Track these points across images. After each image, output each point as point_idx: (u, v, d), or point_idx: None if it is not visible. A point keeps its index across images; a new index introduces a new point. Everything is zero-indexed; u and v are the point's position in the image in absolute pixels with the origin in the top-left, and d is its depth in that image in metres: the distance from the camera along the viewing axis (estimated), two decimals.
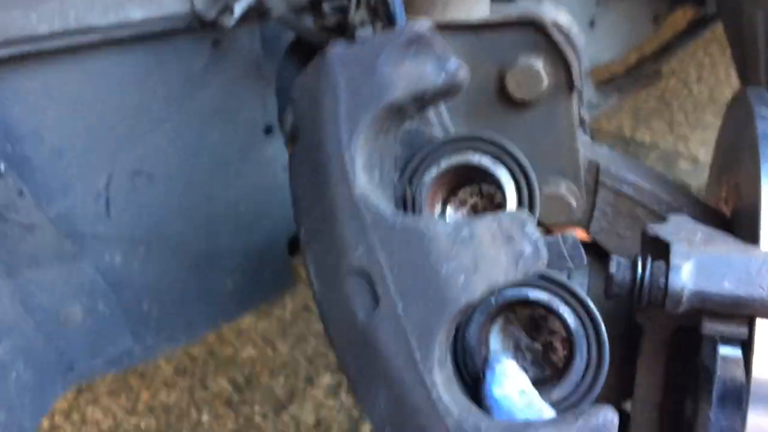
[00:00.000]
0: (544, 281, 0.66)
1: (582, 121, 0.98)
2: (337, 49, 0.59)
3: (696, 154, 3.51)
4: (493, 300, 0.64)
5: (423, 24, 0.60)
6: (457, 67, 0.57)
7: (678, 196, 0.93)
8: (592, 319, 0.65)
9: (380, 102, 0.55)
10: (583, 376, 0.64)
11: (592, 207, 0.93)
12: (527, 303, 0.65)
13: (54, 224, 1.03)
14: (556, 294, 0.65)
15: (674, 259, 0.68)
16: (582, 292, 0.65)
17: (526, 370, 0.65)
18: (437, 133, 0.71)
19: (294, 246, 1.36)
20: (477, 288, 0.51)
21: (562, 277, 0.65)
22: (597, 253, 0.96)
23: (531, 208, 0.65)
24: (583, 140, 0.93)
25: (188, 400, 2.22)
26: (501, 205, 0.70)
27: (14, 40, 0.90)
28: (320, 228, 0.56)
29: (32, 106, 0.99)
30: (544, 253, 0.53)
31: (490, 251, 0.51)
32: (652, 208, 0.91)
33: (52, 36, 0.92)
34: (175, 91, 1.11)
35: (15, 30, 0.89)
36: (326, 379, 2.23)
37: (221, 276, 1.22)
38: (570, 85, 0.88)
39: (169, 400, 2.21)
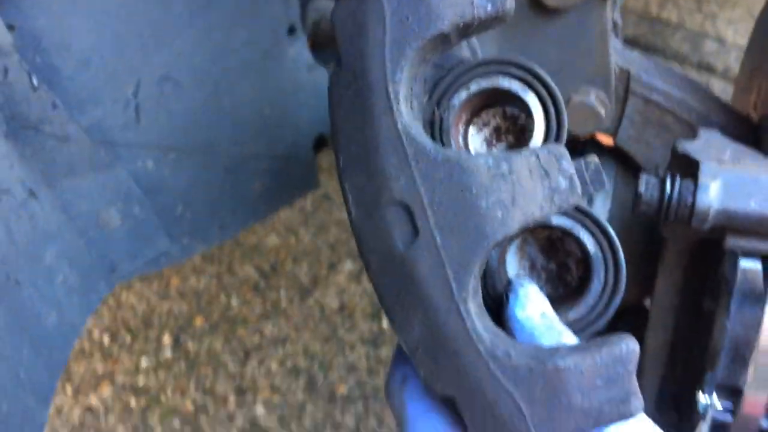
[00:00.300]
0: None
1: (615, 25, 0.97)
2: None
3: (723, 34, 3.40)
4: None
5: None
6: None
7: (708, 103, 0.92)
8: (611, 243, 0.66)
9: (427, 33, 0.54)
10: (599, 299, 0.65)
11: (621, 115, 0.93)
12: (548, 226, 0.66)
13: (87, 134, 1.05)
14: (576, 219, 0.65)
15: (702, 178, 0.69)
16: (602, 218, 0.66)
17: (540, 289, 0.67)
18: (466, 54, 0.70)
19: (319, 144, 1.37)
20: (514, 222, 0.53)
21: (582, 202, 0.66)
22: (624, 160, 0.97)
23: (558, 134, 0.66)
24: (615, 46, 0.92)
25: (217, 286, 2.32)
26: (524, 127, 0.70)
27: None
28: (361, 157, 0.56)
29: (57, 16, 0.98)
30: (578, 188, 0.54)
31: (528, 185, 0.53)
32: (682, 117, 0.91)
33: None
34: None
35: None
36: (348, 266, 2.30)
37: (250, 179, 1.25)
38: None
39: (198, 285, 2.31)
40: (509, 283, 0.64)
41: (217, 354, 2.11)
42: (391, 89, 0.54)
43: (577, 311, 0.64)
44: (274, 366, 2.05)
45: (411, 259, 0.53)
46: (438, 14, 0.54)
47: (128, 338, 2.18)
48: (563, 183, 0.54)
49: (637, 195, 0.73)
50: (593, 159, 0.62)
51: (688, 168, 0.73)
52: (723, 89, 3.08)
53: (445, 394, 0.53)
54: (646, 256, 0.95)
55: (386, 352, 2.05)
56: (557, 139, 0.64)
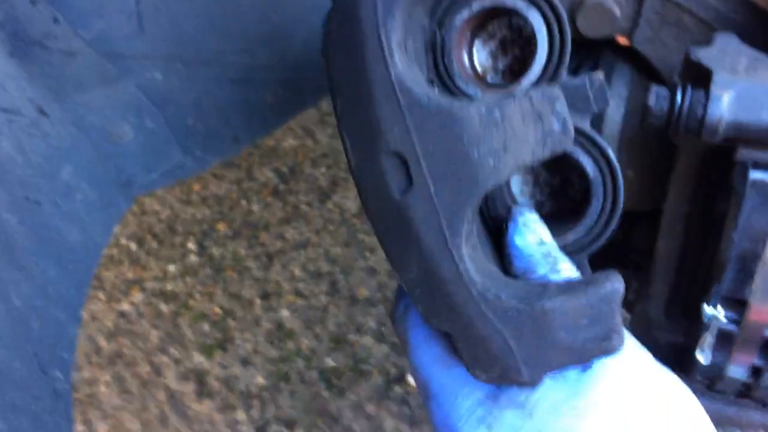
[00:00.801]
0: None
1: None
2: None
3: None
4: None
5: None
6: None
7: (729, 1, 0.88)
8: (610, 166, 0.67)
9: None
10: (597, 220, 0.67)
11: (638, 15, 0.90)
12: None
13: (93, 47, 1.04)
14: (576, 142, 0.64)
15: (715, 89, 0.67)
16: (601, 140, 0.67)
17: (543, 204, 0.69)
18: None
19: None
20: (506, 169, 0.54)
21: (582, 124, 0.65)
22: (640, 64, 0.94)
23: (562, 53, 0.65)
24: None
25: (238, 191, 2.34)
26: (530, 38, 0.67)
27: None
28: (356, 105, 0.56)
29: None
30: (571, 131, 0.54)
31: (520, 131, 0.53)
32: (700, 16, 0.87)
33: None
34: None
35: None
36: None
37: (261, 89, 1.23)
38: None
39: (219, 191, 2.35)
40: (509, 211, 0.64)
41: (241, 259, 2.16)
42: (383, 36, 0.54)
43: (576, 232, 0.65)
44: (296, 270, 2.10)
45: (406, 206, 0.54)
46: None
47: (154, 244, 2.23)
48: (556, 126, 0.54)
49: (646, 107, 0.71)
50: (598, 76, 0.64)
51: (700, 77, 0.70)
52: None
53: (441, 329, 0.56)
54: (662, 161, 0.94)
55: None
56: (561, 53, 0.63)
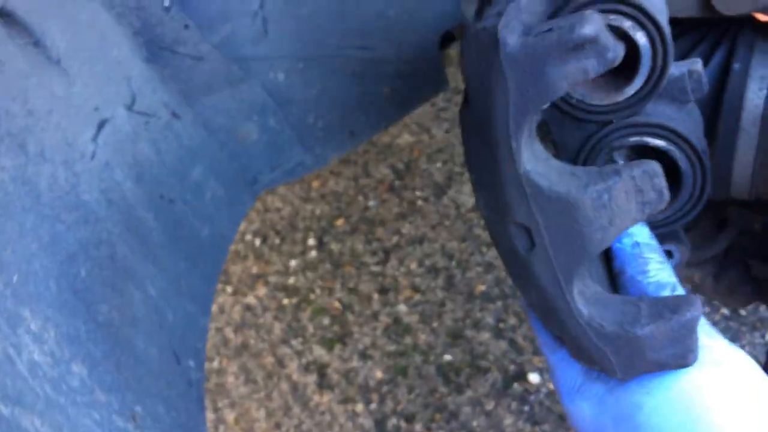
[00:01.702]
0: (662, 130, 0.75)
1: None
2: (506, 44, 0.60)
3: None
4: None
5: (592, 20, 0.58)
6: (615, 56, 0.58)
7: None
8: (699, 157, 0.75)
9: (545, 101, 0.60)
10: (687, 202, 0.78)
11: None
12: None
13: (219, 51, 1.08)
14: (671, 140, 0.74)
15: None
16: (690, 135, 0.74)
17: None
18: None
19: (446, 41, 1.34)
20: (611, 237, 0.63)
21: (672, 124, 0.73)
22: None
23: (664, 66, 0.69)
24: None
25: (355, 188, 2.38)
26: (636, 51, 0.70)
27: None
28: (490, 183, 0.67)
29: None
30: (666, 196, 0.62)
31: (624, 206, 0.62)
32: None
33: None
34: None
35: None
36: None
37: (378, 84, 1.24)
38: None
39: (338, 187, 2.39)
40: None
41: (359, 254, 2.20)
42: (513, 144, 0.63)
43: (665, 213, 0.78)
44: (413, 265, 2.11)
45: (530, 262, 0.67)
46: (554, 86, 0.59)
47: (277, 240, 2.31)
48: (654, 196, 0.62)
49: None
50: (696, 67, 0.72)
51: None
52: None
53: (554, 333, 0.73)
54: None
55: None
56: (663, 66, 0.70)
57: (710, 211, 1.14)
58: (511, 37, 0.59)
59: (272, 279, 2.21)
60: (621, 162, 0.80)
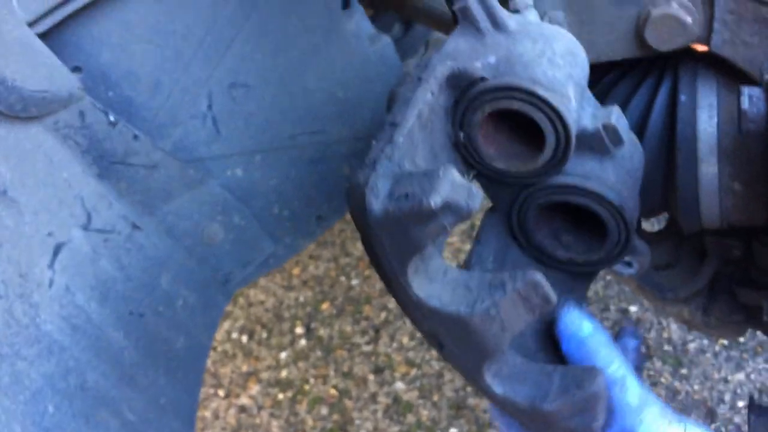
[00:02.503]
0: (578, 189, 0.78)
1: None
2: (371, 210, 0.67)
3: None
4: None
5: (441, 188, 0.65)
6: (470, 209, 0.64)
7: None
8: (620, 212, 0.78)
9: (418, 251, 0.68)
10: (613, 248, 0.81)
11: (711, 18, 0.84)
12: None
13: (173, 156, 1.07)
14: (589, 197, 0.78)
15: None
16: (607, 192, 0.77)
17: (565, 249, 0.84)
18: (478, 72, 0.73)
19: None
20: (505, 341, 0.69)
21: (588, 183, 0.77)
22: (724, 66, 0.88)
23: (567, 143, 0.72)
24: None
25: (336, 269, 2.36)
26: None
27: None
28: (397, 297, 0.74)
29: (119, 47, 1.00)
30: (552, 298, 0.66)
31: (513, 314, 0.67)
32: None
33: None
34: None
35: None
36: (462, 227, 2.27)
37: (337, 165, 1.24)
38: None
39: (318, 271, 2.36)
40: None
41: (349, 336, 2.15)
42: (401, 280, 0.70)
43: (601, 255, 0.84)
44: (405, 339, 2.07)
45: (444, 356, 0.76)
46: (420, 242, 0.66)
47: (264, 334, 2.26)
48: (539, 302, 0.66)
49: (741, 112, 0.65)
50: (610, 122, 0.73)
51: None
52: None
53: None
54: (764, 164, 0.86)
55: None
56: (566, 143, 0.72)
57: (689, 245, 1.13)
58: (375, 203, 0.66)
59: (264, 375, 2.15)
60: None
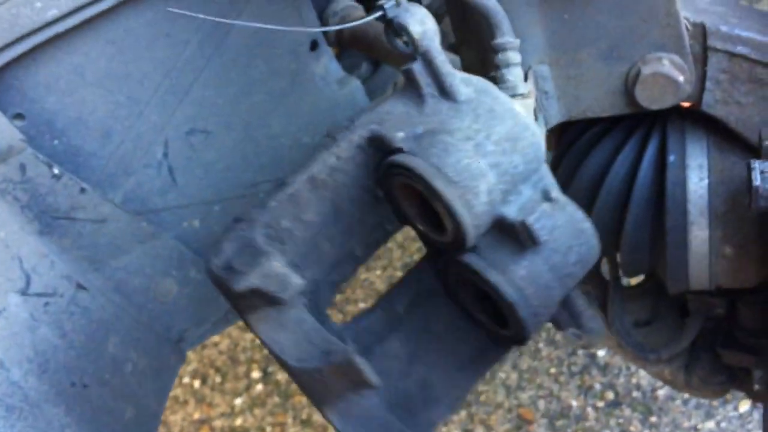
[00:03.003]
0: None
1: None
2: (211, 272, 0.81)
3: None
4: None
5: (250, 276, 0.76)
6: (288, 292, 0.76)
7: None
8: (513, 309, 0.74)
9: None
10: (521, 330, 0.77)
11: (703, 77, 0.81)
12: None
13: (124, 209, 0.99)
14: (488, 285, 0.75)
15: None
16: (502, 285, 0.74)
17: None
18: (396, 143, 0.73)
19: None
20: (332, 397, 0.76)
21: (491, 274, 0.74)
22: (715, 125, 0.84)
23: (464, 241, 0.71)
24: None
25: None
26: None
27: (26, 34, 0.82)
28: None
29: (66, 92, 0.92)
30: (369, 379, 0.70)
31: (334, 380, 0.75)
32: None
33: (64, 17, 0.84)
34: (206, 33, 1.01)
35: (24, 23, 0.81)
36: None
37: None
38: None
39: None
40: None
41: None
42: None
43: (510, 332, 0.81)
44: None
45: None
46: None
47: (218, 378, 2.16)
48: (356, 377, 0.72)
49: (753, 189, 0.61)
50: (526, 223, 0.70)
51: None
52: None
53: None
54: (763, 232, 0.83)
55: None
56: (464, 239, 0.71)
57: (668, 300, 1.09)
58: (213, 260, 0.78)
59: (217, 423, 2.05)
60: None
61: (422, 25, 0.70)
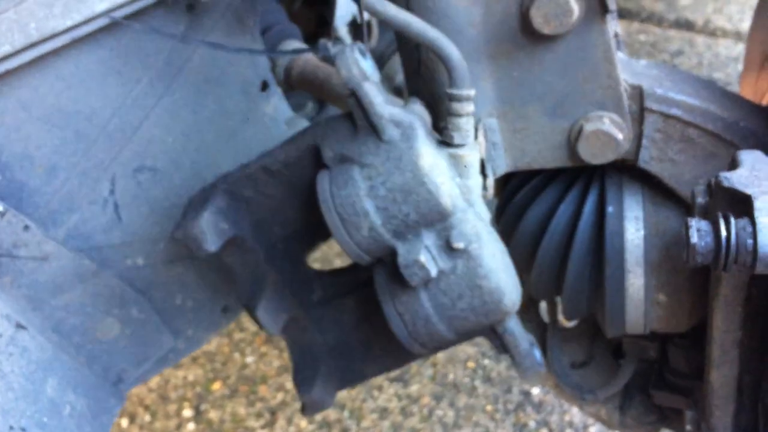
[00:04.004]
0: None
1: (616, 36, 0.89)
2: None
3: None
4: None
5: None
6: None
7: (731, 107, 0.85)
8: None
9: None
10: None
11: (640, 135, 0.86)
12: None
13: (67, 246, 0.97)
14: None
15: (761, 217, 0.61)
16: (394, 319, 0.81)
17: None
18: (323, 157, 0.82)
19: None
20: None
21: (385, 305, 0.83)
22: (650, 180, 0.90)
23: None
24: (621, 61, 0.85)
25: (229, 345, 2.23)
26: None
27: None
28: None
29: (12, 127, 0.90)
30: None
31: None
32: (706, 128, 0.84)
33: (16, 53, 0.82)
34: (158, 72, 1.01)
35: None
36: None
37: None
38: (603, 8, 0.79)
39: (210, 347, 2.23)
40: None
41: (242, 419, 2.03)
42: None
43: None
44: (303, 423, 1.97)
45: None
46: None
47: (147, 417, 2.09)
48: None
49: (690, 246, 0.65)
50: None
51: (738, 205, 0.65)
52: (708, 46, 3.01)
53: None
54: (693, 281, 0.88)
55: (416, 388, 1.97)
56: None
57: (603, 342, 1.13)
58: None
59: None
60: None
61: (350, 70, 0.75)
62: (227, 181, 0.91)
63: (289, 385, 2.08)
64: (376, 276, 0.82)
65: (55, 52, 0.88)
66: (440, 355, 2.02)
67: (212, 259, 0.90)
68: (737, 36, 2.92)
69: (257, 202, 0.91)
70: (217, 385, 2.13)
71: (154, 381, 2.18)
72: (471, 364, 1.97)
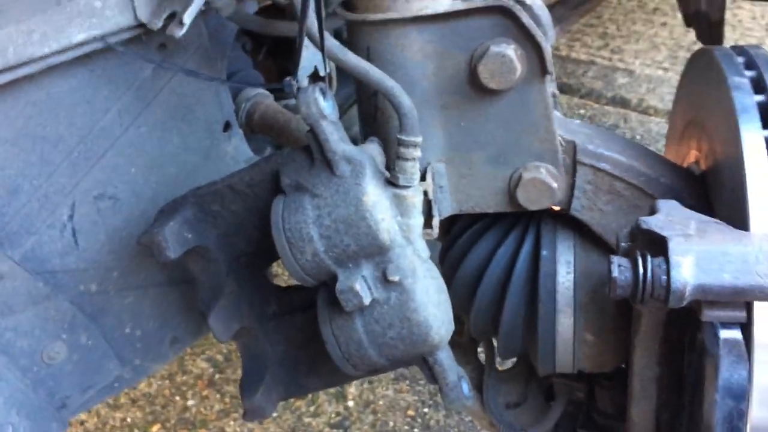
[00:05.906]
0: None
1: (554, 97, 0.98)
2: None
3: (632, 67, 3.57)
4: None
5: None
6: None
7: (654, 165, 0.94)
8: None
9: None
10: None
11: (572, 186, 0.94)
12: None
13: (22, 266, 0.98)
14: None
15: (674, 256, 0.69)
16: (330, 341, 0.87)
17: None
18: (282, 183, 0.88)
19: None
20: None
21: (322, 328, 0.89)
22: (580, 227, 0.97)
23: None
24: (557, 119, 0.93)
25: (170, 387, 2.21)
26: None
27: None
28: None
29: None
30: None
31: None
32: (631, 182, 0.92)
33: None
34: (126, 103, 1.05)
35: None
36: None
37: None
38: (543, 70, 0.87)
39: (150, 389, 2.21)
40: None
41: None
42: None
43: None
44: None
45: None
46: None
47: None
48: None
49: (611, 280, 0.72)
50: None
51: (655, 245, 0.73)
52: (641, 122, 3.21)
53: None
54: (618, 322, 0.95)
55: None
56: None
57: (536, 384, 1.19)
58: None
59: None
60: None
61: (309, 107, 0.82)
62: (197, 194, 0.98)
63: (230, 429, 2.07)
64: (318, 298, 0.87)
65: (30, 78, 0.91)
66: (381, 402, 2.04)
67: (176, 266, 0.96)
68: (667, 115, 3.13)
69: (223, 216, 0.97)
70: (156, 428, 2.10)
71: (91, 422, 2.13)
72: (411, 412, 2.00)
